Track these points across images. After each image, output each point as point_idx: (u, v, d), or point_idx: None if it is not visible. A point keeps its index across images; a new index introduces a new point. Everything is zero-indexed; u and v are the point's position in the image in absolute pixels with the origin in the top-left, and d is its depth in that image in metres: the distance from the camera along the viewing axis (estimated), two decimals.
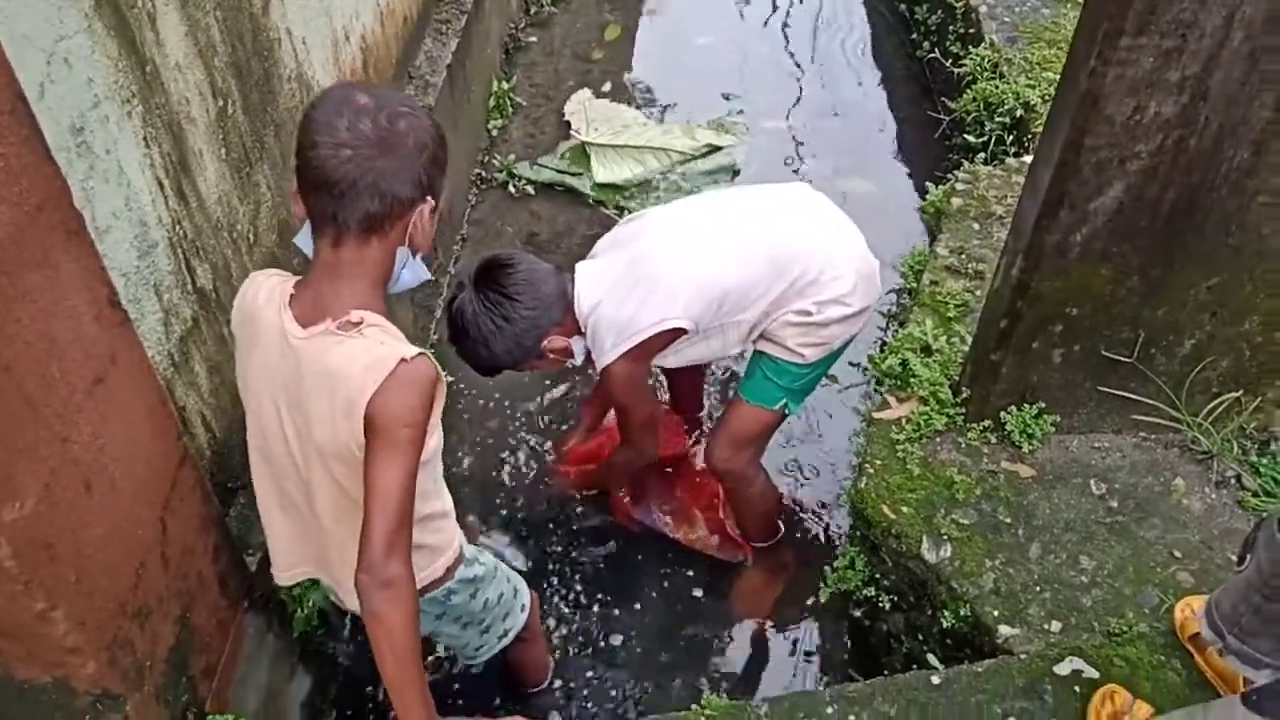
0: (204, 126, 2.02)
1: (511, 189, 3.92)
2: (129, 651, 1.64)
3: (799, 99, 4.43)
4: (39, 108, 1.52)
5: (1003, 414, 2.29)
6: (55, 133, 1.57)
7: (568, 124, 4.21)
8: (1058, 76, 3.41)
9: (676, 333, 2.15)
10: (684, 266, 2.14)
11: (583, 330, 2.23)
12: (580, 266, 2.26)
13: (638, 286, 2.14)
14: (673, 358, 2.28)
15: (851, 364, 3.19)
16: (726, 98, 4.43)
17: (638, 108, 4.35)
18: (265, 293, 1.65)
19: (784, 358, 2.25)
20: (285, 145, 2.40)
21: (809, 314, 2.18)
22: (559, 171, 3.93)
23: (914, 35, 4.53)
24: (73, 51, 1.60)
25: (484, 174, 3.96)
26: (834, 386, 3.03)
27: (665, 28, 4.96)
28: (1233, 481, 2.24)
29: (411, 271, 1.61)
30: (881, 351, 2.59)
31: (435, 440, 1.64)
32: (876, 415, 2.37)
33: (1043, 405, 2.28)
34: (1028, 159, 3.15)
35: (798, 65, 4.68)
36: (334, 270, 1.54)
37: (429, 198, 1.54)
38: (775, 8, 5.07)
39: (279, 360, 1.61)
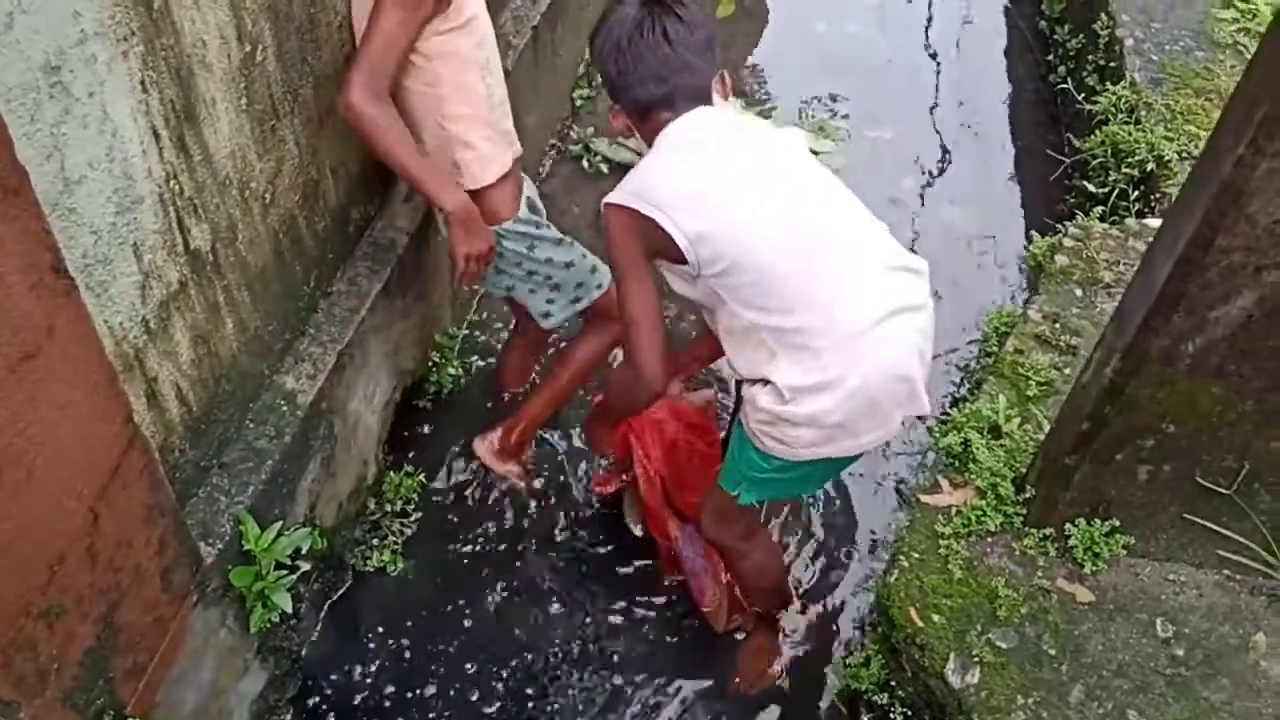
0: (221, 73, 1.82)
1: (585, 164, 3.69)
2: (30, 655, 1.48)
3: (911, 111, 4.08)
4: (3, 40, 1.34)
5: (1068, 525, 2.00)
6: (22, 69, 1.38)
7: None
8: (1201, 132, 3.06)
9: (672, 245, 1.84)
10: (725, 209, 1.84)
11: (641, 142, 2.02)
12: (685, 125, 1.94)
13: (681, 173, 1.88)
14: (681, 285, 1.96)
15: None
16: (834, 98, 4.11)
17: (738, 96, 4.06)
18: None
19: (747, 428, 1.94)
20: (324, 100, 2.20)
21: (782, 398, 1.84)
22: (639, 154, 3.67)
23: (1050, 57, 4.14)
24: None
25: (560, 145, 3.73)
26: (880, 448, 2.74)
27: (785, 8, 4.63)
28: None
29: None
30: (943, 421, 2.30)
31: (450, 24, 2.11)
32: (924, 498, 2.10)
33: (1116, 523, 1.98)
34: (1151, 222, 2.80)
35: (918, 72, 4.32)
36: None
37: None
38: (902, 4, 4.70)
39: None
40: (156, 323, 1.78)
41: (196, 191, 1.82)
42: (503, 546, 2.65)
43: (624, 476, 2.50)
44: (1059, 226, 2.84)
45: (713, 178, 1.88)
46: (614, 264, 1.96)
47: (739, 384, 1.98)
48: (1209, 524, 1.94)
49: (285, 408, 2.21)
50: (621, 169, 3.63)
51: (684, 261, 1.86)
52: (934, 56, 4.40)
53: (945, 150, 3.93)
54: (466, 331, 3.10)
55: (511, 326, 2.98)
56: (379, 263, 2.53)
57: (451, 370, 2.94)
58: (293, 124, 2.11)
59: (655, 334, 1.91)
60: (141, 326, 1.74)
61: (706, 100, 1.95)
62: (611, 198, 1.90)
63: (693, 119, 1.93)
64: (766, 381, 1.86)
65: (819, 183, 1.93)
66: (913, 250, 1.96)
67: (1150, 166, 2.98)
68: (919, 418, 2.82)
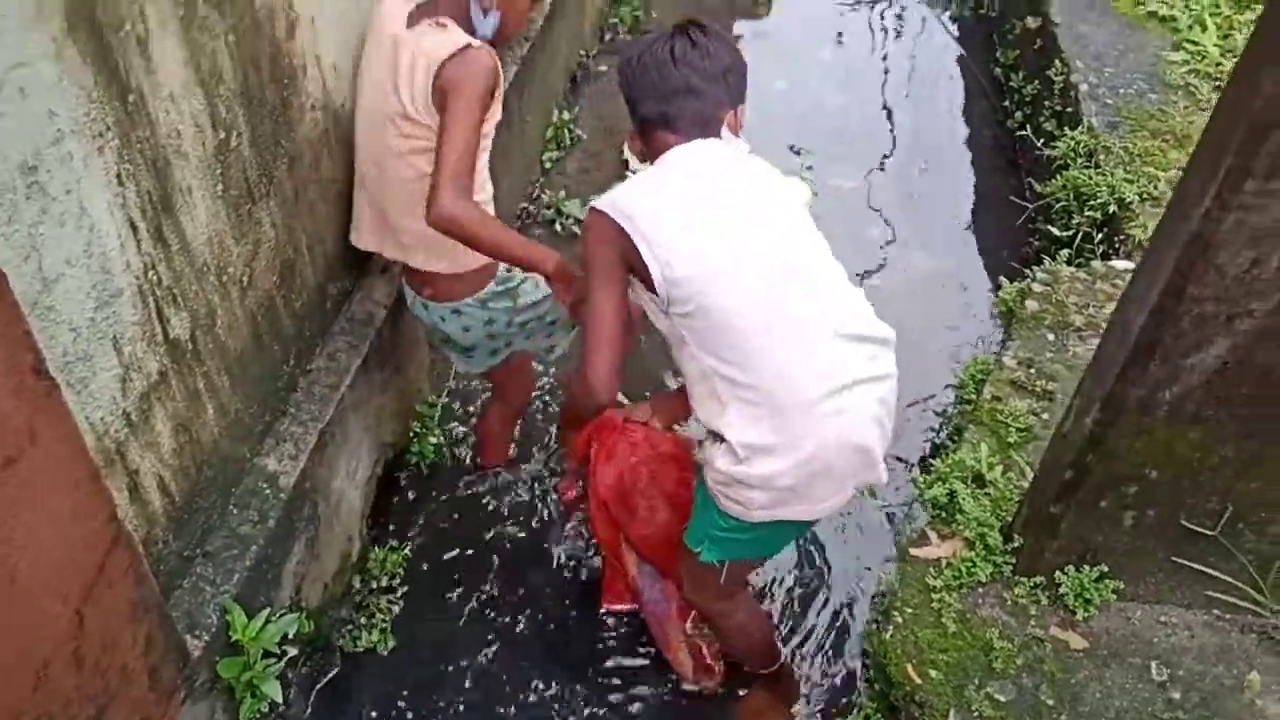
0: (197, 161, 1.83)
1: (558, 227, 3.71)
2: None
3: (873, 160, 4.15)
4: None
5: (1058, 572, 2.00)
6: (1, 171, 1.38)
7: (626, 163, 3.99)
8: (1160, 173, 3.13)
9: (646, 270, 1.82)
10: (702, 254, 1.82)
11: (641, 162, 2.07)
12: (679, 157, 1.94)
13: (671, 201, 1.87)
14: (653, 313, 1.94)
15: (898, 459, 2.93)
16: (797, 151, 4.17)
17: None
18: (391, 5, 2.20)
19: (708, 486, 1.93)
20: (299, 180, 2.21)
21: (736, 457, 1.82)
22: None
23: (1007, 103, 4.23)
24: (30, 80, 1.41)
25: (531, 209, 3.76)
26: (868, 499, 2.75)
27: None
28: None
29: (480, 25, 2.20)
30: (927, 472, 2.31)
31: (492, 124, 2.19)
32: (914, 551, 2.10)
33: (1105, 568, 1.99)
34: (1117, 263, 2.86)
35: (877, 122, 4.40)
36: (435, 3, 2.16)
37: None
38: (860, 57, 4.79)
39: (388, 52, 2.16)
40: (138, 415, 1.76)
41: (175, 280, 1.81)
42: (493, 617, 2.62)
43: (581, 484, 2.42)
44: (1027, 271, 2.88)
45: (699, 216, 1.86)
46: (586, 266, 1.93)
47: (702, 441, 1.99)
48: (1196, 565, 1.95)
49: (268, 490, 2.18)
50: None
51: (654, 291, 1.85)
52: (892, 107, 4.49)
53: (909, 198, 4.00)
54: (445, 400, 3.09)
55: (489, 396, 2.98)
56: (357, 337, 2.53)
57: (433, 440, 2.93)
58: (268, 206, 2.11)
59: (611, 343, 1.88)
60: (123, 420, 1.72)
61: (714, 130, 1.94)
62: (599, 203, 1.88)
63: (696, 148, 1.91)
64: (722, 439, 1.85)
65: (801, 243, 1.92)
66: (879, 299, 1.97)
67: (1112, 209, 3.04)
68: (900, 459, 2.89)
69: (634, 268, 1.86)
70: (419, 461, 2.91)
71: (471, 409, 3.10)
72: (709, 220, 1.86)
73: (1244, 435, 1.74)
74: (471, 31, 2.17)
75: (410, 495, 2.88)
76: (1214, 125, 1.50)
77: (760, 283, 1.82)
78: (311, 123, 2.25)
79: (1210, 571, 1.95)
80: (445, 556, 2.76)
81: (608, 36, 4.60)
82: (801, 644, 2.53)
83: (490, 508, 2.87)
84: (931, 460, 2.52)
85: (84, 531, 1.51)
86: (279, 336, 2.25)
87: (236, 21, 1.89)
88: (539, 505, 2.87)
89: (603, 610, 2.59)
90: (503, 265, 2.37)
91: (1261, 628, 1.99)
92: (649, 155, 2.00)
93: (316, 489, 2.35)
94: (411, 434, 2.92)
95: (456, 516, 2.84)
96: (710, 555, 2.00)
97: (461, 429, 3.05)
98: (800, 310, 1.83)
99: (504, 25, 2.26)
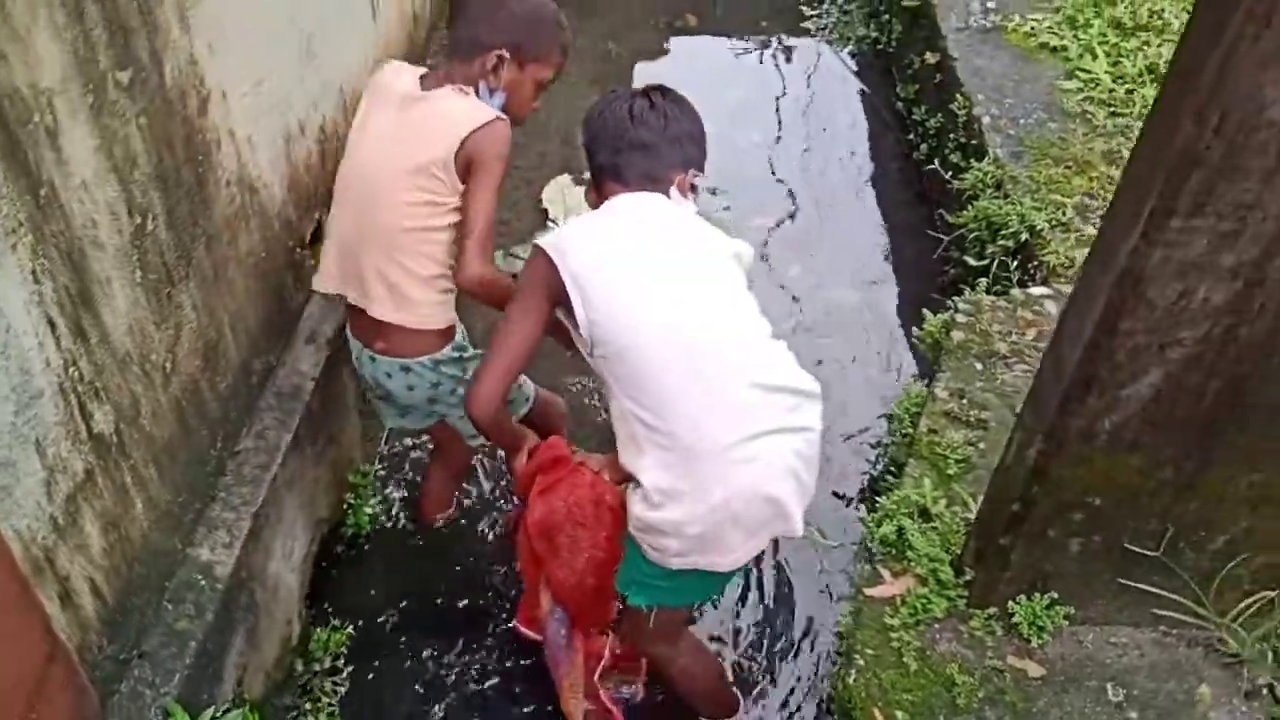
0: (114, 249, 1.76)
1: None
2: None
3: (788, 198, 4.21)
4: None
5: (1010, 602, 2.03)
6: None
7: (545, 211, 3.98)
8: (1066, 200, 3.25)
9: (568, 299, 1.88)
10: (627, 300, 1.87)
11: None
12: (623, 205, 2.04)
13: (603, 242, 1.95)
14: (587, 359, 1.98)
15: (836, 495, 2.96)
16: (713, 192, 4.21)
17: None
18: (395, 69, 2.39)
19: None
20: (218, 258, 2.15)
21: (650, 502, 1.85)
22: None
23: (911, 136, 4.34)
24: None
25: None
26: (817, 539, 2.76)
27: None
28: (1264, 692, 1.99)
29: (486, 102, 2.27)
30: (873, 510, 2.33)
31: None
32: (869, 592, 2.11)
33: (1055, 595, 2.03)
34: (1034, 290, 2.94)
35: (788, 161, 4.46)
36: (451, 70, 2.28)
37: (506, 51, 2.24)
38: (765, 96, 4.87)
39: (398, 112, 2.26)
40: (65, 518, 1.67)
41: (96, 374, 1.74)
42: (443, 686, 2.55)
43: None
44: (949, 302, 2.95)
45: (627, 260, 1.91)
46: (516, 290, 2.03)
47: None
48: (1141, 586, 2.00)
49: (204, 583, 2.09)
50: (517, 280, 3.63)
51: (580, 331, 1.90)
52: (802, 144, 4.56)
53: (823, 233, 4.06)
54: (379, 466, 3.02)
55: (431, 453, 2.92)
56: (285, 412, 2.45)
57: (369, 510, 2.85)
58: (188, 288, 2.04)
59: (506, 367, 1.97)
60: (50, 525, 1.63)
61: (662, 188, 2.02)
62: (543, 242, 1.95)
63: (638, 198, 2.01)
64: (638, 484, 1.88)
65: (726, 297, 1.95)
66: (802, 336, 2.01)
67: (1024, 236, 3.13)
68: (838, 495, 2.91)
69: (564, 305, 1.91)
70: (355, 533, 2.83)
71: (411, 471, 3.03)
72: (636, 265, 1.91)
73: (1180, 458, 1.80)
74: None
75: (349, 569, 2.79)
76: (1135, 165, 1.55)
77: (679, 330, 1.87)
78: (228, 199, 2.18)
79: (1155, 590, 2.00)
80: (389, 629, 2.68)
81: None
82: (761, 691, 2.51)
83: (432, 571, 2.80)
84: (875, 496, 2.54)
85: (19, 651, 1.43)
86: (205, 420, 2.17)
87: (147, 103, 1.83)
88: (482, 562, 2.81)
89: (513, 625, 2.56)
90: (460, 333, 2.39)
91: (1207, 640, 2.05)
92: (598, 205, 2.09)
93: (253, 576, 2.26)
94: (346, 505, 2.84)
95: (398, 586, 2.77)
96: (637, 599, 2.03)
97: (398, 495, 2.98)
98: (717, 359, 1.87)
99: (507, 107, 2.33)
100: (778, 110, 4.77)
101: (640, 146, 2.03)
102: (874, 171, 4.36)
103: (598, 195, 2.11)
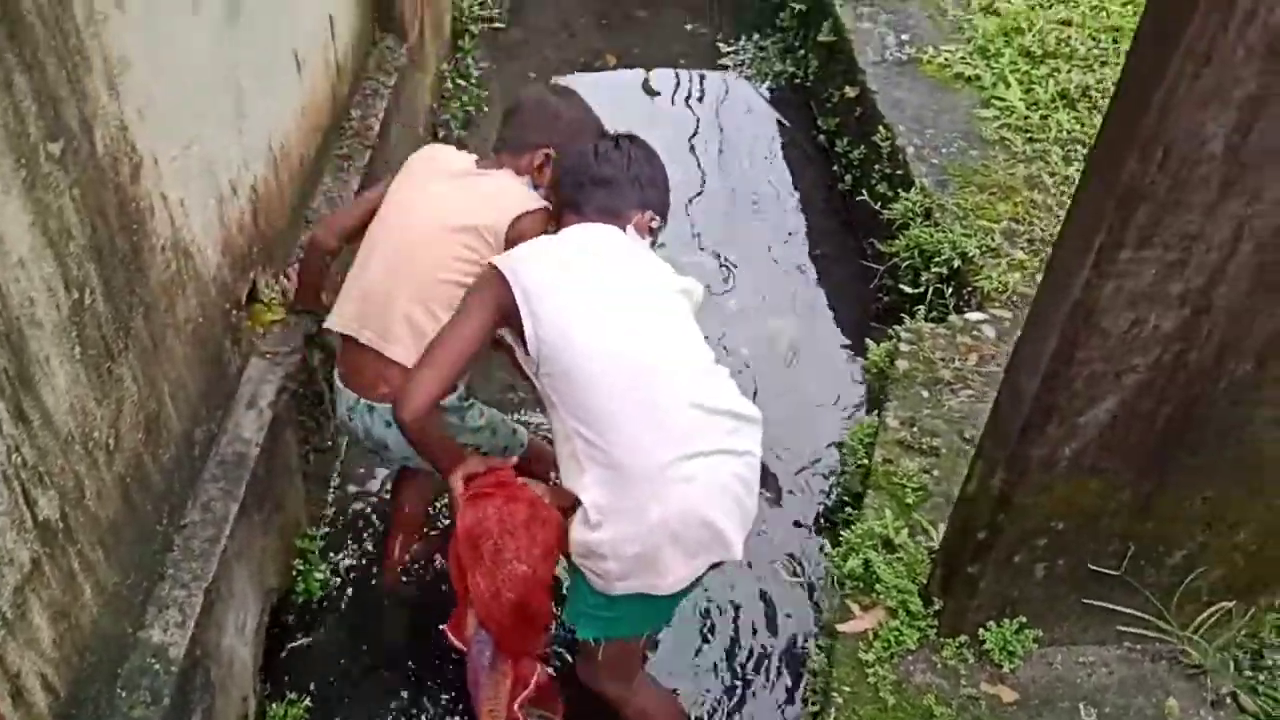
0: (52, 327, 1.69)
1: None
2: None
3: (716, 233, 4.24)
4: None
5: (981, 629, 2.06)
6: None
7: None
8: (994, 225, 3.33)
9: (518, 315, 1.93)
10: (574, 321, 1.93)
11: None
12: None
13: (554, 264, 2.02)
14: (533, 379, 2.03)
15: (796, 523, 2.97)
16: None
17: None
18: (446, 150, 2.57)
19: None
20: (156, 326, 2.08)
21: (588, 522, 1.89)
22: None
23: (835, 167, 4.42)
24: None
25: None
26: (783, 575, 2.77)
27: None
28: (1228, 701, 2.04)
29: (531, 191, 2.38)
30: (837, 544, 2.34)
31: None
32: (840, 628, 2.12)
33: (1023, 619, 2.06)
34: (971, 315, 3.01)
35: (714, 197, 4.51)
36: (501, 160, 2.44)
37: (542, 150, 2.38)
38: (686, 132, 4.92)
39: (455, 180, 2.41)
40: (14, 612, 1.59)
41: (40, 458, 1.66)
42: None
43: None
44: (890, 331, 2.99)
45: (577, 283, 1.97)
46: (462, 304, 2.05)
47: None
48: (1106, 604, 2.04)
49: (157, 666, 2.00)
50: None
51: (528, 350, 1.95)
52: (727, 179, 4.60)
53: (756, 266, 4.09)
54: (326, 529, 2.94)
55: (389, 516, 2.88)
56: (231, 481, 2.37)
57: (318, 575, 2.77)
58: (128, 360, 1.96)
59: (441, 369, 1.97)
60: None
61: (619, 224, 2.09)
62: (497, 259, 2.01)
63: (593, 228, 2.08)
64: (579, 506, 1.91)
65: (671, 325, 2.01)
66: (745, 370, 2.05)
67: (956, 263, 3.20)
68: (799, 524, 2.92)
69: (512, 324, 1.97)
70: (306, 600, 2.75)
71: (355, 535, 2.96)
72: (588, 291, 1.97)
73: (1137, 480, 1.84)
74: None
75: (300, 637, 2.70)
76: (1082, 199, 1.60)
77: (626, 355, 1.91)
78: (164, 264, 2.12)
79: (1119, 609, 2.04)
80: (346, 698, 2.60)
81: (441, 133, 4.57)
82: None
83: (386, 634, 2.74)
84: (833, 526, 2.56)
85: None
86: (150, 495, 2.09)
87: (80, 174, 1.76)
88: (435, 619, 2.74)
89: (442, 628, 2.45)
90: (464, 385, 2.45)
91: (1171, 653, 2.10)
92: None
93: (207, 654, 2.17)
94: (295, 572, 2.75)
95: (352, 652, 2.69)
96: (585, 632, 2.05)
97: (346, 559, 2.90)
98: (660, 382, 1.92)
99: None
100: (702, 145, 4.82)
101: (602, 182, 2.12)
102: (800, 202, 4.42)
103: (556, 227, 2.18)
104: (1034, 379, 1.71)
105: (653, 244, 2.18)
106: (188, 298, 2.23)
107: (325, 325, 2.50)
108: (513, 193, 2.36)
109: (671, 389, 1.91)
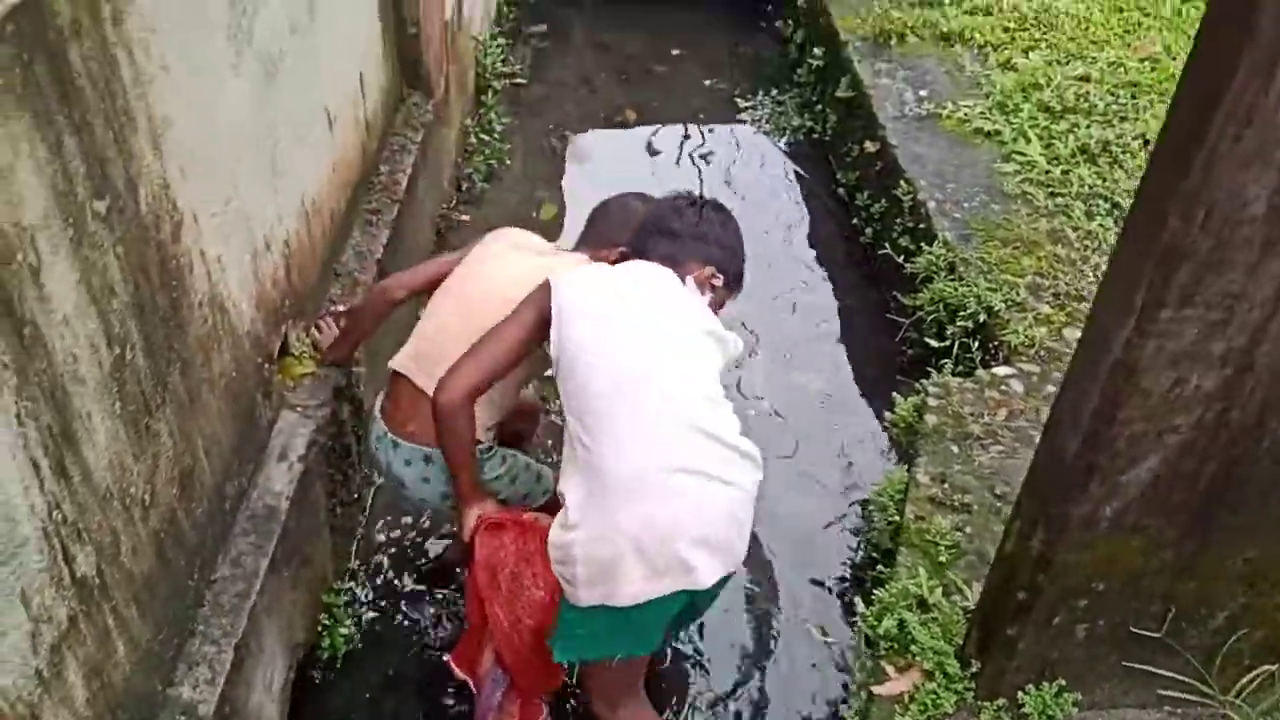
0: (94, 383, 1.70)
1: None
2: None
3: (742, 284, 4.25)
4: None
5: (1020, 693, 2.03)
6: None
7: None
8: (1019, 280, 3.34)
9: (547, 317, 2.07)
10: (589, 313, 2.06)
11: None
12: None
13: (595, 279, 2.15)
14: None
15: (814, 581, 2.94)
16: None
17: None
18: (527, 234, 2.62)
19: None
20: (193, 381, 2.09)
21: (566, 522, 1.95)
22: None
23: (855, 220, 4.45)
24: None
25: None
26: (813, 634, 2.74)
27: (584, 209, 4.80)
28: None
29: None
30: (870, 603, 2.31)
31: None
32: (876, 690, 2.09)
33: (1063, 682, 2.02)
34: (999, 370, 3.00)
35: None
36: (581, 249, 2.56)
37: (628, 250, 2.35)
38: (706, 185, 4.95)
39: (537, 257, 2.49)
40: (49, 670, 1.58)
41: (79, 514, 1.66)
42: None
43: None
44: (917, 385, 2.99)
45: (611, 303, 2.06)
46: (516, 308, 2.16)
47: None
48: (1146, 667, 2.01)
49: None
50: None
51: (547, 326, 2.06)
52: (749, 230, 4.59)
53: (780, 318, 4.10)
54: (351, 584, 2.92)
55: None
56: (261, 536, 2.37)
57: (344, 631, 2.75)
58: (165, 415, 1.98)
59: (482, 367, 2.10)
60: (35, 680, 1.54)
61: (678, 274, 2.17)
62: (555, 280, 2.10)
63: (648, 265, 2.17)
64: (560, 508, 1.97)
65: (691, 362, 2.06)
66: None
67: (982, 317, 3.20)
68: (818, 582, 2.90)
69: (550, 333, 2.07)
70: (333, 655, 2.72)
71: (380, 589, 2.94)
72: (619, 310, 2.05)
73: (1179, 540, 1.82)
74: None
75: (326, 694, 2.68)
76: (1122, 258, 1.60)
77: (634, 369, 1.98)
78: (201, 320, 2.14)
79: (1160, 671, 2.01)
80: None
81: (465, 187, 4.62)
82: None
83: (412, 692, 2.71)
84: (861, 584, 2.54)
85: None
86: (183, 550, 2.09)
87: (124, 232, 1.79)
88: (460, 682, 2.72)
89: (446, 658, 2.50)
90: (490, 436, 2.47)
91: (1212, 718, 2.06)
92: None
93: (236, 711, 2.15)
94: (321, 627, 2.74)
95: (378, 710, 2.66)
96: (560, 655, 2.07)
97: (371, 613, 2.88)
98: (661, 398, 1.97)
99: None
100: (722, 197, 4.81)
101: (668, 233, 2.23)
102: (822, 254, 4.44)
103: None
104: (1075, 438, 1.70)
105: (715, 303, 2.26)
106: (222, 352, 2.25)
107: (390, 364, 2.55)
108: None
109: (672, 407, 1.96)
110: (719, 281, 2.25)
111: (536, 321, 2.10)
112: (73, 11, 1.58)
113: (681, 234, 2.23)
